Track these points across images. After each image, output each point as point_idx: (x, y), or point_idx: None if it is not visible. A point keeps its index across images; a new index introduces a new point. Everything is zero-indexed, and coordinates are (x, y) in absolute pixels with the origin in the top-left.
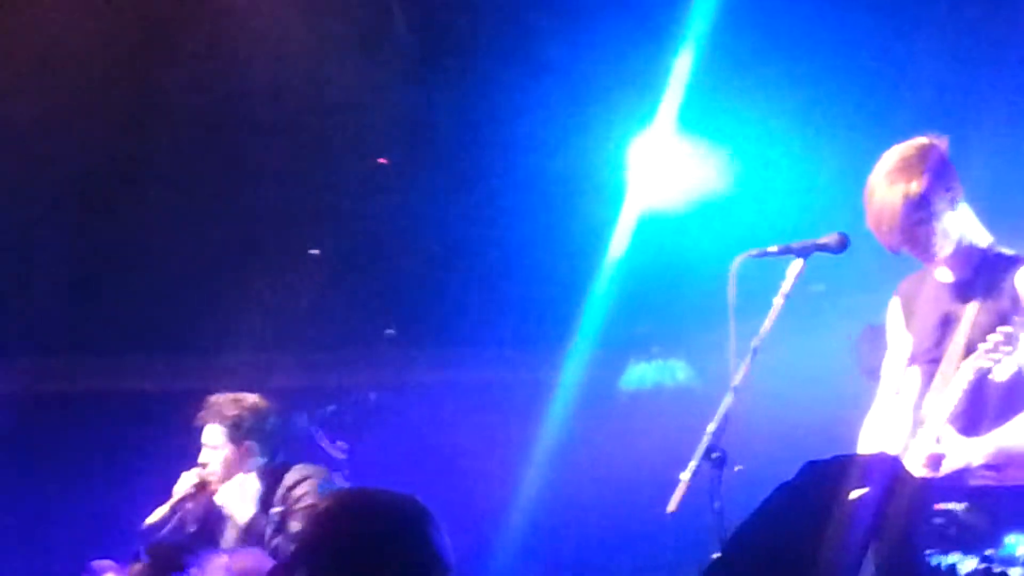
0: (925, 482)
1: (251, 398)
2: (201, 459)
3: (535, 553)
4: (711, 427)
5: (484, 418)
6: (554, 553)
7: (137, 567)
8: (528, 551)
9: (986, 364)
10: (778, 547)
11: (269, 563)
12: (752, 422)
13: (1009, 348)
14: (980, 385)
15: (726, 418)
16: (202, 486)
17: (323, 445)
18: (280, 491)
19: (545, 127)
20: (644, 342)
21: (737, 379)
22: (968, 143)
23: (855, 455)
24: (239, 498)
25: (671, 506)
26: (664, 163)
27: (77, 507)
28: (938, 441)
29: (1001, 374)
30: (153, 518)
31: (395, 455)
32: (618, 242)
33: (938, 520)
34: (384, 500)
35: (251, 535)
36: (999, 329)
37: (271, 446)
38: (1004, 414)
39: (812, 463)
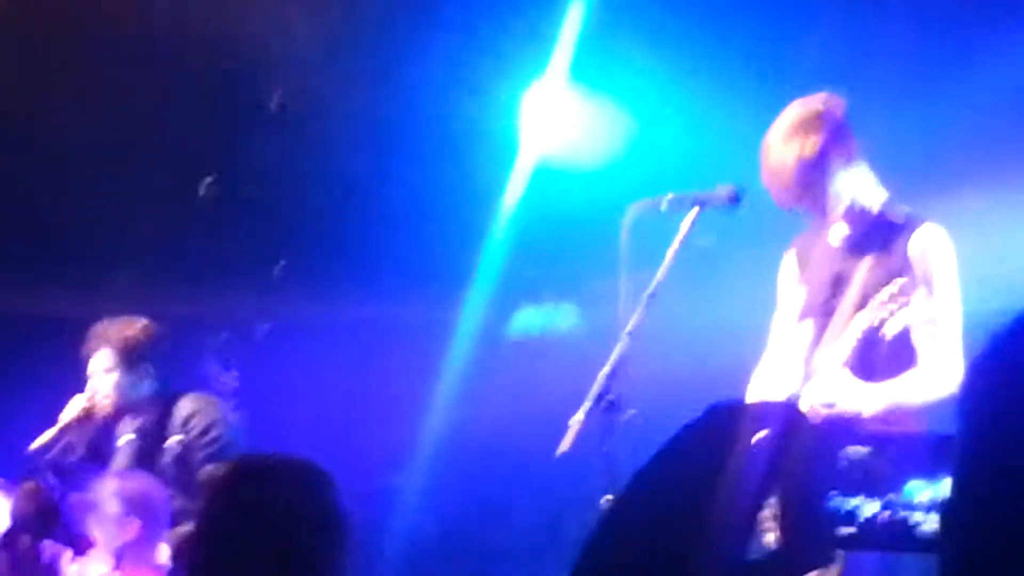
0: (829, 426)
1: (141, 322)
2: (89, 387)
3: (427, 495)
4: (603, 371)
5: (376, 357)
6: (445, 495)
7: (29, 486)
8: (419, 493)
9: (880, 316)
10: (679, 488)
11: (159, 489)
12: (645, 370)
13: (903, 300)
14: (870, 339)
15: (619, 363)
16: (88, 412)
17: (214, 374)
18: (175, 420)
19: (440, 71)
20: (535, 287)
21: (631, 325)
22: (866, 98)
23: (759, 400)
24: (130, 425)
25: (562, 448)
26: (557, 112)
27: None
28: (835, 382)
29: (892, 328)
30: (38, 442)
31: (285, 389)
32: (513, 188)
33: (842, 464)
34: (283, 466)
35: (142, 462)
36: (894, 281)
37: (162, 369)
38: (893, 368)
39: (715, 406)
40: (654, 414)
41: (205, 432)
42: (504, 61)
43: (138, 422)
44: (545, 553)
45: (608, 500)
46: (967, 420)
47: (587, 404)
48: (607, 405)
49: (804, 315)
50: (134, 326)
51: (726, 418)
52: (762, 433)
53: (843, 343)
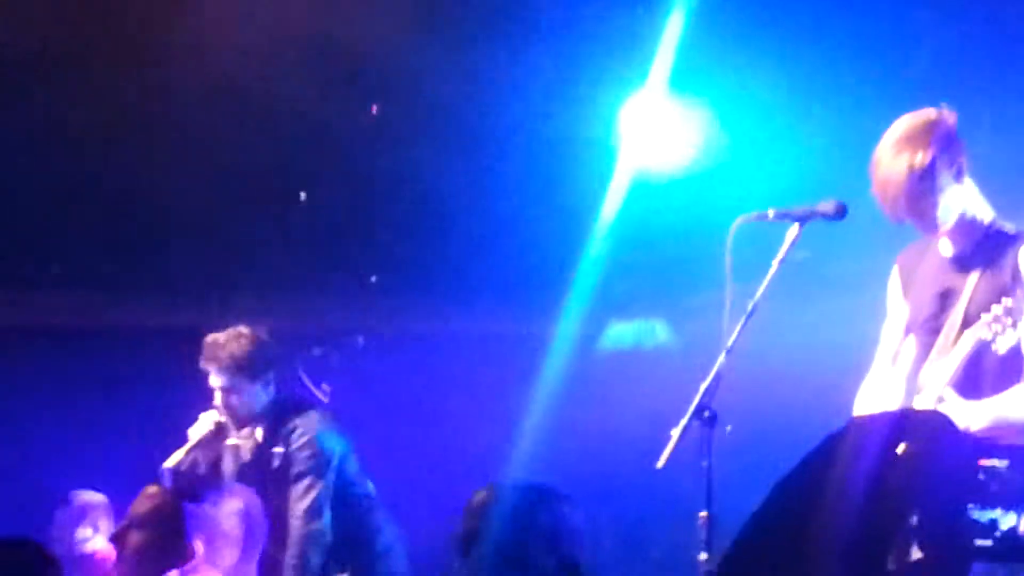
0: (970, 438)
1: (246, 331)
2: (216, 401)
3: None
4: (703, 385)
5: (471, 370)
6: None
7: (152, 489)
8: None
9: (987, 335)
10: (822, 496)
11: (261, 508)
12: (743, 385)
13: (1010, 320)
14: (979, 355)
15: (718, 378)
16: (218, 430)
17: (309, 387)
18: (285, 428)
19: (539, 84)
20: (629, 301)
21: (731, 340)
22: (976, 118)
23: (905, 410)
24: (247, 436)
25: (661, 462)
26: (656, 125)
27: (74, 441)
28: (940, 401)
29: (1002, 346)
30: (171, 461)
31: (381, 402)
32: (610, 203)
33: (981, 476)
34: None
35: (251, 471)
36: (1003, 300)
37: (275, 376)
38: (1002, 384)
39: (858, 417)
40: (752, 429)
41: (304, 447)
42: (603, 71)
43: (259, 433)
44: (639, 565)
45: (705, 516)
46: None
47: (686, 418)
48: (706, 419)
49: (910, 330)
50: (240, 340)
51: (868, 428)
52: (903, 446)
53: (951, 359)
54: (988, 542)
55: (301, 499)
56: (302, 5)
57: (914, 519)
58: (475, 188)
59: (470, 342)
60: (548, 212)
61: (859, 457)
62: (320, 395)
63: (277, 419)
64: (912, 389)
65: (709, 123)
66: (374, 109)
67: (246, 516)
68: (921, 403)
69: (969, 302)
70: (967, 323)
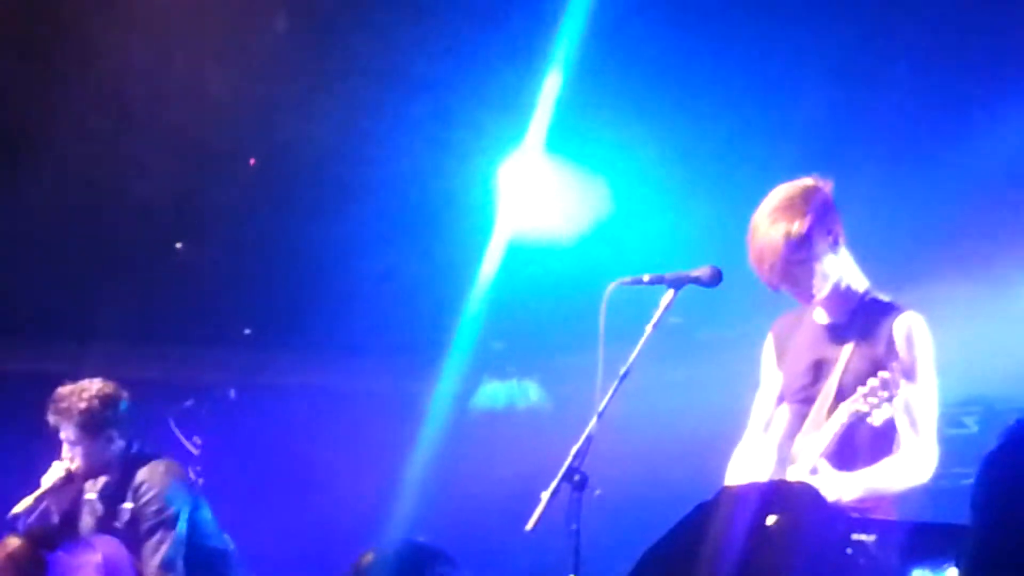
0: (840, 511)
1: (96, 385)
2: (64, 454)
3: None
4: (573, 448)
5: (345, 426)
6: None
7: (13, 541)
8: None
9: (864, 408)
10: (689, 566)
11: (128, 557)
12: (615, 448)
13: (886, 394)
14: (854, 427)
15: (589, 441)
16: (69, 478)
17: (180, 438)
18: (131, 485)
19: (417, 140)
20: (500, 361)
21: (603, 404)
22: (850, 187)
23: (775, 481)
24: (93, 486)
25: (530, 524)
26: (534, 186)
27: None
28: (814, 472)
29: (877, 419)
30: (19, 507)
31: (251, 455)
32: (487, 262)
33: (849, 550)
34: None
35: (105, 525)
36: (879, 374)
37: (127, 430)
38: (875, 455)
39: (729, 487)
40: (623, 493)
41: (151, 502)
42: (480, 132)
43: (100, 483)
44: None
45: None
46: (979, 512)
47: (556, 480)
48: (576, 482)
49: (783, 399)
50: (90, 395)
51: (739, 499)
52: (772, 518)
53: (825, 431)
54: None
55: (153, 555)
56: (181, 53)
57: None
58: (352, 243)
59: (344, 398)
60: (425, 269)
61: (729, 528)
62: (191, 447)
63: (125, 473)
64: (784, 458)
65: (587, 185)
66: (252, 161)
67: (106, 566)
68: (794, 473)
69: (843, 373)
70: (841, 394)
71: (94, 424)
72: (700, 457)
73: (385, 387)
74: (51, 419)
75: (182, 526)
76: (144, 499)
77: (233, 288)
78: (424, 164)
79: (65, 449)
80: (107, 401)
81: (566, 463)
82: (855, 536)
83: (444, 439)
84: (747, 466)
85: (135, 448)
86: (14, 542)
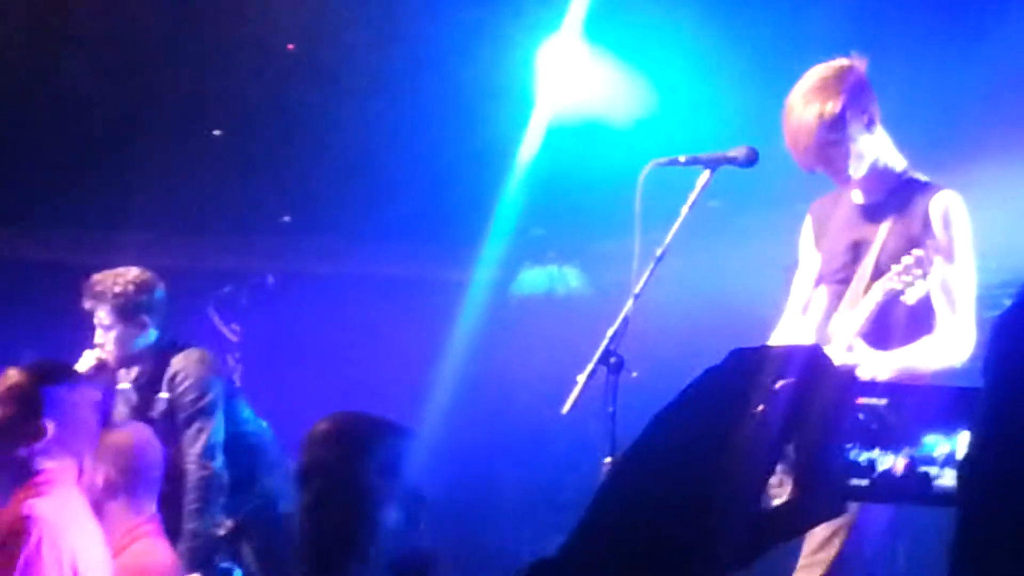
0: (850, 375)
1: (133, 272)
2: (96, 339)
3: (434, 452)
4: (609, 331)
5: (383, 313)
6: (451, 452)
7: (12, 374)
8: (428, 449)
9: (897, 286)
10: (698, 432)
11: (150, 444)
12: (650, 331)
13: (920, 271)
14: (889, 306)
15: (625, 323)
16: (102, 367)
17: (217, 326)
18: (167, 374)
19: (454, 25)
20: (540, 248)
21: (639, 286)
22: (889, 67)
23: (784, 345)
24: (126, 375)
25: (566, 407)
26: (572, 69)
27: None
28: (850, 350)
29: (911, 297)
30: None
31: (289, 343)
32: (526, 148)
33: (860, 414)
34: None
35: (140, 415)
36: (913, 252)
37: (161, 319)
38: (911, 335)
39: (739, 350)
40: (658, 375)
41: (188, 391)
42: (519, 15)
43: (134, 373)
44: (543, 512)
45: (609, 461)
46: (991, 376)
47: (592, 364)
48: (612, 365)
49: (821, 280)
50: (125, 279)
51: (749, 362)
52: (784, 380)
53: (861, 309)
54: (865, 482)
55: (193, 444)
56: None
57: (790, 456)
58: (390, 130)
59: (382, 284)
60: (463, 156)
61: (738, 391)
62: (229, 334)
63: (158, 362)
64: (823, 339)
65: (625, 69)
66: (290, 47)
67: (140, 449)
68: (831, 352)
69: (880, 252)
70: (878, 273)
71: (129, 308)
72: (738, 339)
73: (424, 274)
74: (86, 303)
75: (220, 414)
76: (180, 388)
77: (272, 176)
78: (462, 48)
79: (98, 335)
80: (143, 286)
81: (602, 346)
82: (866, 400)
83: (483, 325)
84: None
85: (168, 337)
86: (13, 375)
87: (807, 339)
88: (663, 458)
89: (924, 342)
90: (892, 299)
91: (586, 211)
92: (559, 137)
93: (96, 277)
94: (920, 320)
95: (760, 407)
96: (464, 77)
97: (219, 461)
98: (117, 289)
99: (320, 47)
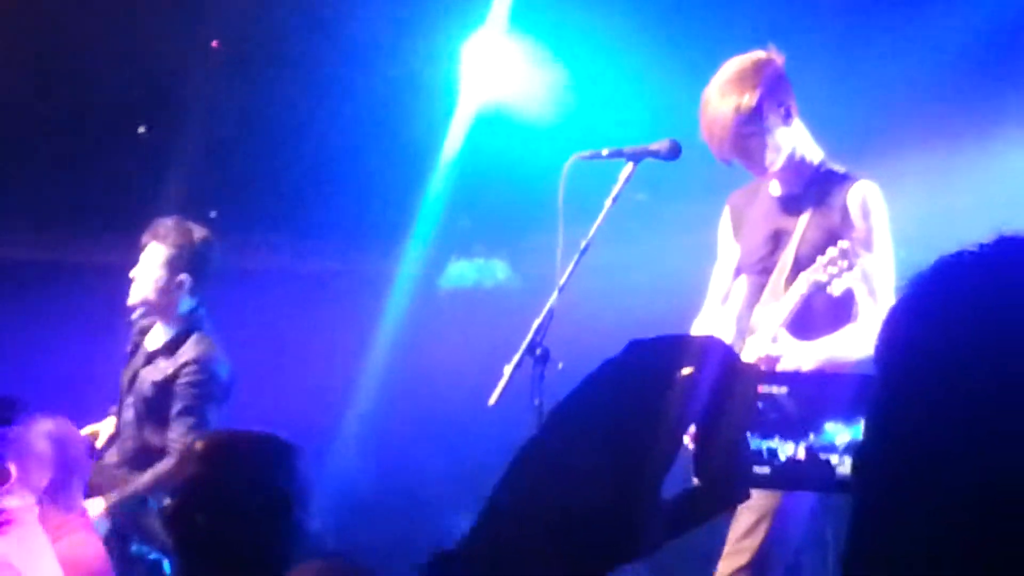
0: (749, 364)
1: (202, 231)
2: (133, 272)
3: (359, 446)
4: (535, 323)
5: (310, 308)
6: (376, 446)
7: None
8: (354, 443)
9: (823, 278)
10: (597, 424)
11: (81, 437)
12: (576, 322)
13: (846, 263)
14: (813, 297)
15: (550, 315)
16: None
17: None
18: (178, 354)
19: (379, 17)
20: (467, 240)
21: (563, 278)
22: (807, 59)
23: (684, 335)
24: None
25: (492, 399)
26: (497, 62)
27: None
28: (775, 341)
29: (837, 288)
30: None
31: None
32: (452, 141)
33: (760, 404)
34: (254, 440)
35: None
36: (839, 244)
37: (204, 288)
38: (833, 325)
39: (637, 341)
40: (585, 367)
41: (192, 377)
42: (444, 9)
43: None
44: (473, 504)
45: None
46: (881, 364)
47: (518, 356)
48: (538, 357)
49: (741, 271)
50: (192, 231)
51: (647, 353)
52: (686, 369)
53: (785, 301)
54: (767, 470)
55: (179, 429)
56: None
57: (690, 446)
58: (316, 124)
59: (310, 279)
60: (389, 149)
61: (636, 382)
62: None
63: (178, 340)
64: (743, 329)
65: (549, 63)
66: (215, 43)
67: (57, 439)
68: (754, 343)
69: (800, 243)
70: (798, 263)
71: (181, 258)
72: (661, 330)
73: (351, 267)
74: (145, 238)
75: (214, 408)
76: (185, 382)
77: (196, 172)
78: (388, 42)
79: (136, 268)
80: (205, 244)
81: (527, 338)
82: (765, 388)
83: (410, 318)
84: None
85: (200, 316)
86: None
87: (727, 330)
88: (561, 451)
89: (847, 331)
90: (817, 290)
91: (513, 204)
92: (485, 130)
93: (167, 219)
94: (842, 311)
95: (659, 397)
96: (390, 71)
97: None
98: (179, 237)
99: (246, 42)
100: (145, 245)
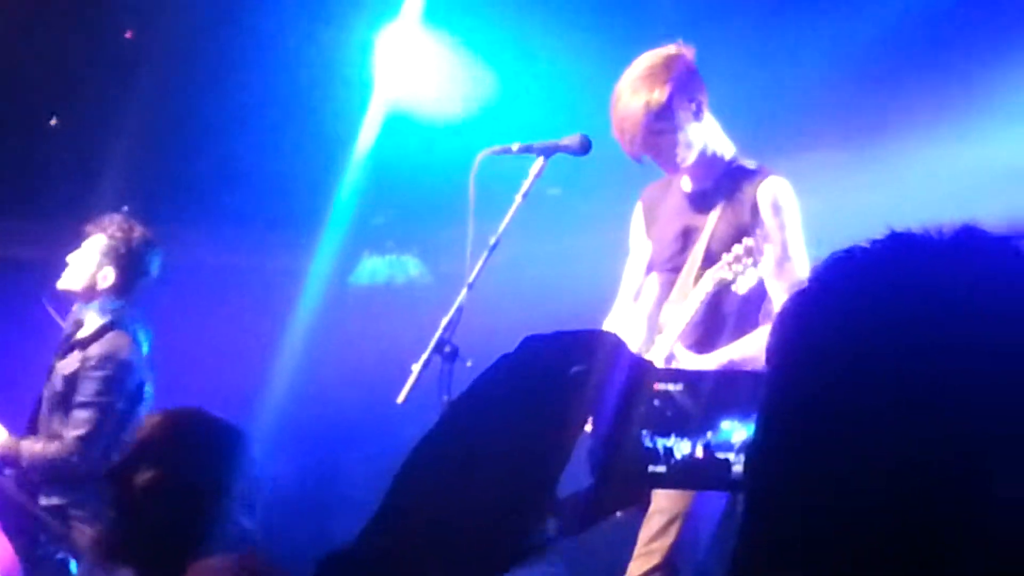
0: (645, 361)
1: (144, 231)
2: (69, 257)
3: (275, 444)
4: (444, 321)
5: (219, 303)
6: (287, 445)
7: None
8: (261, 442)
9: (728, 275)
10: (492, 421)
11: None
12: (485, 319)
13: (750, 260)
14: (719, 295)
15: (459, 312)
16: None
17: (52, 315)
18: (89, 349)
19: (291, 7)
20: (379, 236)
21: (472, 275)
22: (719, 53)
23: (578, 330)
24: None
25: (401, 397)
26: (410, 55)
27: None
28: (670, 360)
29: (742, 286)
30: None
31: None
32: (364, 135)
33: (656, 401)
34: (213, 422)
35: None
36: (744, 241)
37: (134, 287)
38: (741, 325)
39: (532, 337)
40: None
41: (90, 376)
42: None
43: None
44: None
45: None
46: (773, 362)
47: (426, 353)
48: (446, 354)
49: (652, 268)
50: (135, 228)
51: (542, 348)
52: (581, 367)
53: (691, 300)
54: (663, 469)
55: (77, 426)
56: None
57: (586, 445)
58: (227, 116)
59: (221, 274)
60: (301, 143)
61: (530, 379)
62: (62, 323)
63: (96, 336)
64: (654, 327)
65: (462, 56)
66: (128, 34)
67: None
68: (661, 343)
69: (710, 239)
70: (708, 261)
71: (115, 251)
72: (571, 327)
73: (262, 262)
74: (89, 229)
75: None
76: (89, 376)
77: (109, 164)
78: (301, 33)
79: (74, 254)
80: (145, 243)
81: (436, 335)
82: (660, 386)
83: (321, 314)
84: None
85: (120, 311)
86: None
87: (638, 328)
88: (456, 448)
89: (753, 335)
90: (723, 289)
91: (425, 199)
92: (397, 124)
93: (111, 215)
94: (750, 308)
95: (554, 393)
96: (303, 63)
97: (85, 457)
98: (120, 232)
99: (158, 32)
100: (89, 234)
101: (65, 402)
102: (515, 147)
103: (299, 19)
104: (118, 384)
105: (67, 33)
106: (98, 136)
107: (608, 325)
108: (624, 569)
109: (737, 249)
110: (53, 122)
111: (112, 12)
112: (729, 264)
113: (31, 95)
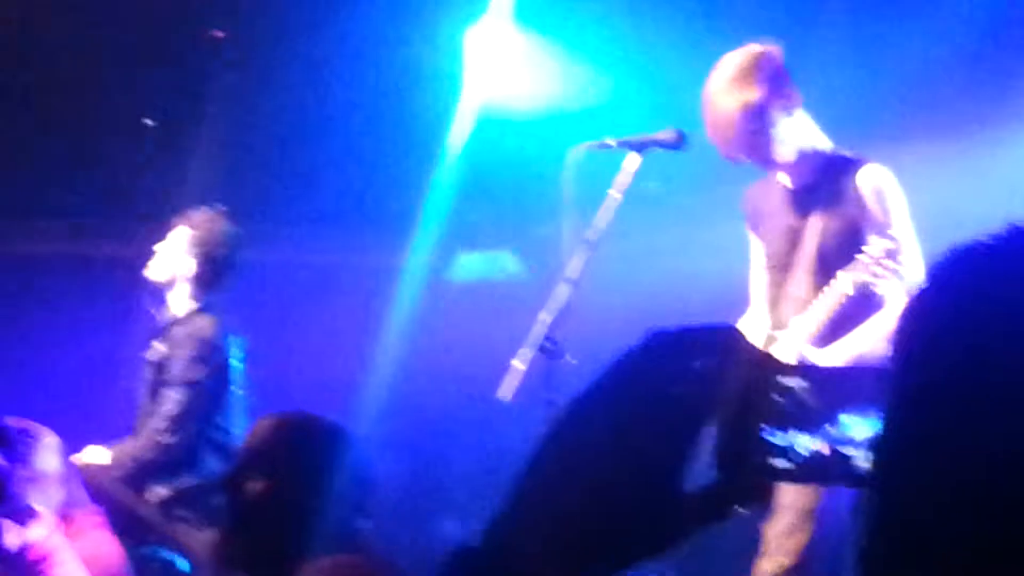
0: (766, 356)
1: (229, 225)
2: (156, 246)
3: (378, 444)
4: (545, 318)
5: (317, 301)
6: (395, 443)
7: None
8: (371, 443)
9: (868, 278)
10: (615, 416)
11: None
12: (587, 316)
13: (892, 264)
14: (854, 299)
15: (560, 310)
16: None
17: (145, 309)
18: (173, 331)
19: (382, 8)
20: (475, 233)
21: (573, 272)
22: (805, 49)
23: (699, 325)
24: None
25: (508, 394)
26: (501, 52)
27: None
28: (800, 356)
29: (883, 289)
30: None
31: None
32: (456, 130)
33: (777, 396)
34: (327, 427)
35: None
36: (882, 243)
37: (217, 279)
38: (852, 314)
39: (656, 331)
40: (596, 361)
41: (183, 356)
42: None
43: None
44: (484, 501)
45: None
46: (901, 357)
47: (528, 350)
48: (549, 352)
49: (767, 268)
50: (218, 223)
51: (666, 344)
52: (702, 361)
53: (826, 300)
54: (786, 464)
55: (162, 407)
56: None
57: (709, 439)
58: (320, 115)
59: (317, 272)
60: (394, 140)
61: (653, 373)
62: (154, 314)
63: (180, 322)
64: (775, 325)
65: (555, 51)
66: (219, 34)
67: (58, 448)
68: (788, 342)
69: (819, 237)
70: (821, 257)
71: (197, 244)
72: (677, 323)
73: (359, 260)
74: (176, 221)
75: (203, 389)
76: (179, 350)
77: (203, 164)
78: (391, 31)
79: (162, 244)
80: (231, 239)
81: (539, 331)
82: (781, 380)
83: (419, 312)
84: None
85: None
86: None
87: (760, 327)
88: (581, 441)
89: (868, 325)
90: (861, 290)
91: (518, 195)
92: (491, 120)
93: (198, 209)
94: (867, 302)
95: (677, 389)
96: (394, 60)
97: (177, 437)
98: (205, 227)
99: (248, 33)
100: (175, 226)
101: (157, 390)
102: (613, 142)
103: (389, 18)
104: (203, 363)
105: (161, 34)
106: (194, 136)
107: (742, 325)
108: (736, 567)
109: (875, 251)
110: (148, 122)
111: (205, 13)
112: (868, 266)
113: (127, 96)
